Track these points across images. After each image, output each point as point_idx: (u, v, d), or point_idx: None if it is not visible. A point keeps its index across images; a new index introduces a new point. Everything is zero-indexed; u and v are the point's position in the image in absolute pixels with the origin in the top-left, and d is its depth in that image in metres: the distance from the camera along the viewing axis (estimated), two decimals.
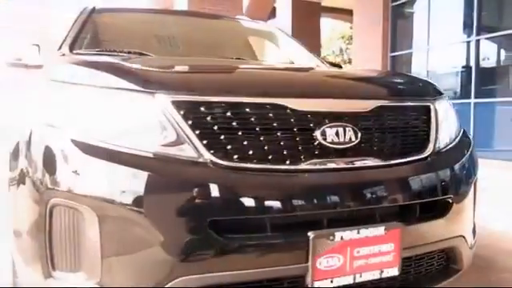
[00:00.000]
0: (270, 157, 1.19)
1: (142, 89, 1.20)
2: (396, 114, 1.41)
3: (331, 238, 1.16)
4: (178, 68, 1.45)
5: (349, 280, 1.21)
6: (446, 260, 1.47)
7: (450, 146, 1.51)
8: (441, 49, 8.45)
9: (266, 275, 1.15)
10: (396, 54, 9.32)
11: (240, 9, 9.26)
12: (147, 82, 1.22)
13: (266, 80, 1.44)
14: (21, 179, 1.23)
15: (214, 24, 2.78)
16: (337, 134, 1.25)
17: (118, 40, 2.49)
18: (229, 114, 1.20)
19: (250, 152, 1.18)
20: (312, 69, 2.13)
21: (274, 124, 1.22)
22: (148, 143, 1.15)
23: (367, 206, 1.24)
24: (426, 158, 1.40)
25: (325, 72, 2.00)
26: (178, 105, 1.17)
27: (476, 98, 7.22)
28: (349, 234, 1.18)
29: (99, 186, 1.12)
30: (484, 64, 7.65)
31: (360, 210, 1.23)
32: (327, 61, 2.84)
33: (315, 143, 1.24)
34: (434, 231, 1.36)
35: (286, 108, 1.24)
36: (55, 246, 1.14)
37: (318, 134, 1.24)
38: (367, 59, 9.38)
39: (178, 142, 1.15)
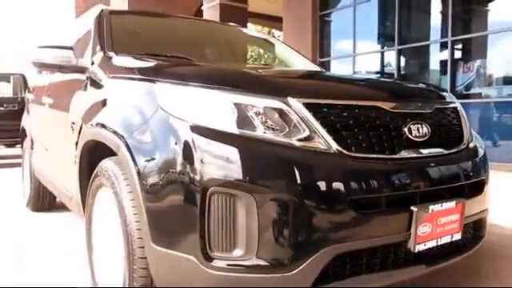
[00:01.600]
0: (375, 148, 1.48)
1: (277, 95, 1.42)
2: (444, 114, 1.79)
3: (426, 210, 1.49)
4: (294, 77, 1.68)
5: (433, 243, 1.55)
6: (475, 228, 1.87)
7: (472, 139, 1.93)
8: (366, 56, 9.36)
9: (382, 242, 1.44)
10: (324, 59, 10.07)
11: (179, 11, 9.34)
12: (283, 89, 1.45)
13: (366, 87, 1.74)
14: (173, 177, 1.37)
15: (228, 31, 2.99)
16: (417, 129, 1.59)
17: (144, 42, 2.59)
18: (345, 113, 1.47)
19: (363, 144, 1.46)
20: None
21: (377, 122, 1.52)
22: (288, 138, 1.38)
23: (444, 185, 1.59)
24: (464, 148, 1.80)
25: (390, 81, 2.35)
26: (309, 107, 1.42)
27: None
28: (436, 207, 1.52)
29: (256, 175, 1.32)
30: (403, 70, 8.63)
31: (440, 188, 1.58)
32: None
33: (404, 137, 1.56)
34: (477, 205, 1.76)
35: (383, 109, 1.55)
36: (212, 229, 1.31)
37: (405, 129, 1.57)
38: None
39: (311, 137, 1.40)
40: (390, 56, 8.80)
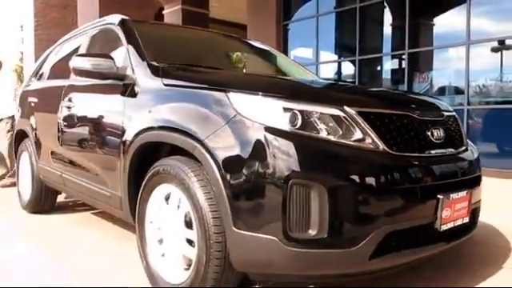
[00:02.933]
0: (410, 147, 1.84)
1: (336, 104, 1.75)
2: (450, 121, 2.19)
3: (448, 198, 1.87)
4: (344, 90, 2.00)
5: (451, 225, 1.93)
6: (473, 214, 2.27)
7: (468, 140, 2.35)
8: (327, 65, 9.94)
9: (417, 223, 1.80)
10: None
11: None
12: (340, 100, 1.78)
13: (398, 99, 2.11)
14: (256, 172, 1.64)
15: (239, 42, 3.27)
16: (436, 133, 1.97)
17: (167, 52, 2.80)
18: (386, 120, 1.82)
19: (401, 145, 1.81)
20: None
21: (409, 127, 1.88)
22: (346, 139, 1.70)
23: (458, 178, 1.98)
24: (466, 149, 2.21)
25: (412, 94, 2.73)
26: (361, 114, 1.75)
27: None
28: (454, 195, 1.90)
29: (325, 169, 1.64)
30: (363, 79, 9.25)
31: (456, 180, 1.97)
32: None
33: (428, 139, 1.93)
34: (476, 195, 2.16)
35: (412, 117, 1.92)
36: (292, 214, 1.60)
37: (429, 133, 1.94)
38: None
39: (363, 138, 1.73)
40: (351, 65, 9.41)
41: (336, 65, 9.88)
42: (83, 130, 2.82)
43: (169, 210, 2.03)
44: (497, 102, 7.12)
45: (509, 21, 6.93)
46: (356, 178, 1.65)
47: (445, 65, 8.08)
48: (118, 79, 2.48)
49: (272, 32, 10.59)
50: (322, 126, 1.71)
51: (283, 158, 1.62)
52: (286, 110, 1.71)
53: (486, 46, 7.19)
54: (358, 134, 1.73)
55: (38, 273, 2.43)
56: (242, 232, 1.67)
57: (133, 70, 2.42)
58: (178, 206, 1.97)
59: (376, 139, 1.74)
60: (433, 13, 8.34)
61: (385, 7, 8.94)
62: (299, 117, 1.70)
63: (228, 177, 1.70)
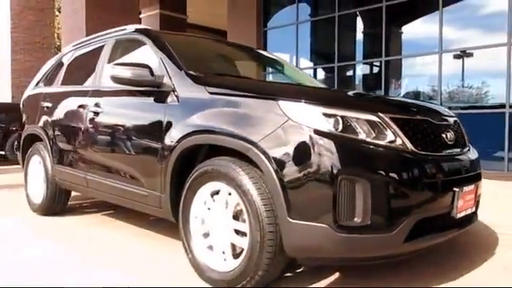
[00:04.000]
0: (431, 148, 2.16)
1: (372, 111, 2.04)
2: (456, 124, 2.54)
3: (462, 190, 2.19)
4: (376, 99, 2.29)
5: (463, 214, 2.26)
6: (476, 206, 2.61)
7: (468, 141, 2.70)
8: (307, 71, 10.31)
9: (439, 212, 2.11)
10: None
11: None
12: (374, 107, 2.08)
13: (419, 107, 2.43)
14: (310, 169, 1.91)
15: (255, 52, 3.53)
16: (449, 136, 2.30)
17: (195, 61, 3.02)
18: (412, 124, 2.13)
19: (422, 145, 2.12)
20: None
21: (429, 130, 2.20)
22: (380, 140, 2.00)
23: (468, 174, 2.32)
24: (469, 149, 2.56)
25: (426, 102, 3.06)
26: (392, 119, 2.05)
27: None
28: (465, 188, 2.23)
29: (367, 166, 1.92)
30: (341, 85, 9.68)
31: (466, 175, 2.30)
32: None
33: (443, 141, 2.26)
34: (479, 188, 2.51)
35: (431, 122, 2.24)
36: (341, 205, 1.87)
37: (444, 135, 2.27)
38: None
39: (395, 140, 2.02)
40: (330, 72, 9.82)
41: (315, 71, 10.29)
42: (115, 134, 2.99)
43: (217, 205, 2.26)
44: (464, 108, 7.69)
45: (473, 32, 7.53)
46: (392, 173, 1.94)
47: (419, 71, 8.61)
48: (154, 86, 2.68)
49: (252, 38, 10.87)
50: (360, 130, 1.99)
51: (332, 156, 1.89)
52: (330, 115, 1.99)
53: (457, 54, 7.77)
54: (390, 136, 2.02)
55: (82, 271, 2.59)
56: (297, 222, 1.93)
57: (170, 79, 2.63)
58: (227, 202, 2.20)
59: (405, 140, 2.04)
60: (408, 23, 8.89)
61: (362, 17, 9.43)
62: (341, 121, 1.98)
63: (282, 174, 1.96)
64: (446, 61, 7.77)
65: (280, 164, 1.97)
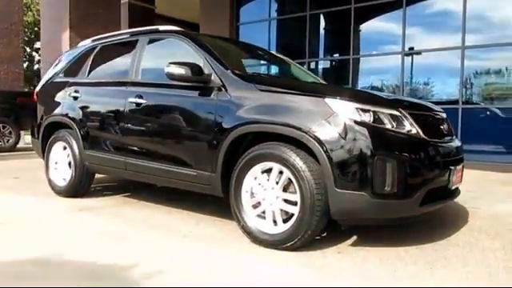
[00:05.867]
0: (434, 136, 2.84)
1: (394, 107, 2.68)
2: (446, 119, 3.24)
3: (455, 168, 2.90)
4: (395, 97, 2.92)
5: (455, 187, 2.97)
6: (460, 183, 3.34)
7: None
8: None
9: (441, 184, 2.80)
10: None
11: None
12: (396, 104, 2.72)
13: (423, 104, 3.09)
14: (354, 151, 2.50)
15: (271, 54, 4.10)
16: (445, 127, 3.00)
17: (232, 60, 3.51)
18: (422, 118, 2.80)
19: (429, 134, 2.79)
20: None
21: (434, 122, 2.88)
22: (401, 129, 2.64)
23: (457, 157, 3.03)
24: (456, 138, 3.28)
25: (427, 103, 3.68)
26: (410, 114, 2.70)
27: None
28: (457, 168, 2.94)
29: (393, 148, 2.57)
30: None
31: (457, 158, 3.01)
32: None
33: (441, 131, 2.95)
34: (463, 168, 3.23)
35: (434, 116, 2.92)
36: (376, 177, 2.49)
37: (441, 127, 2.96)
38: None
39: (411, 130, 2.67)
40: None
41: None
42: (161, 123, 3.45)
43: (268, 181, 2.80)
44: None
45: (437, 34, 8.47)
46: (411, 155, 2.60)
47: (384, 69, 9.47)
48: (203, 82, 3.17)
49: (225, 32, 11.29)
50: (386, 121, 2.63)
51: (368, 141, 2.51)
52: (365, 110, 2.60)
53: (418, 54, 8.69)
54: (408, 127, 2.67)
55: (144, 236, 3.05)
56: (342, 191, 2.54)
57: (219, 77, 3.12)
58: (278, 177, 2.76)
59: (418, 130, 2.70)
60: (376, 25, 9.73)
61: (333, 16, 10.16)
62: (372, 115, 2.61)
63: (331, 154, 2.55)
64: (407, 60, 8.67)
65: (329, 147, 2.56)
